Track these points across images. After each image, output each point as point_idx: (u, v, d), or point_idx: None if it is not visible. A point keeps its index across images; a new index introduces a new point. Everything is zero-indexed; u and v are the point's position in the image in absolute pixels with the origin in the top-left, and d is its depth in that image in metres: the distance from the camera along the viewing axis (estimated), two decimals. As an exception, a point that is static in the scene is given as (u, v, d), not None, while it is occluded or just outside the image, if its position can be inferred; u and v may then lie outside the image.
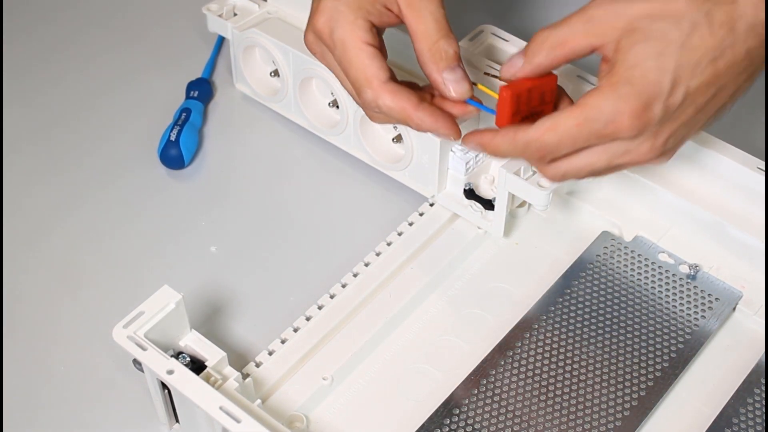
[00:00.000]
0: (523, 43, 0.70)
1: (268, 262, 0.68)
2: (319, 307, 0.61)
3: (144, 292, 0.55)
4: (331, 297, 0.62)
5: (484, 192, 0.67)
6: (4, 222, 0.70)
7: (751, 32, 0.51)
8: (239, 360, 0.61)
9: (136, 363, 0.55)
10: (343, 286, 0.62)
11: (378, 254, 0.64)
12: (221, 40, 0.83)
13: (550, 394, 0.58)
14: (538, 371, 0.59)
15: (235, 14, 0.75)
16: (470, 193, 0.67)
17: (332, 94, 0.70)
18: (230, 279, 0.66)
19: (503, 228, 0.66)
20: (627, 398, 0.58)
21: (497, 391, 0.58)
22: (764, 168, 0.63)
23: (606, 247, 0.66)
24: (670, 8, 0.50)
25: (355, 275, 0.63)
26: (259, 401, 0.54)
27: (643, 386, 0.58)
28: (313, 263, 0.67)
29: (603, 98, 0.51)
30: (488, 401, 0.57)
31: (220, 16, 0.75)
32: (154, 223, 0.70)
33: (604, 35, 0.52)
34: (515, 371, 0.59)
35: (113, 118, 0.78)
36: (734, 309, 0.63)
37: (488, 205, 0.66)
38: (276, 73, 0.75)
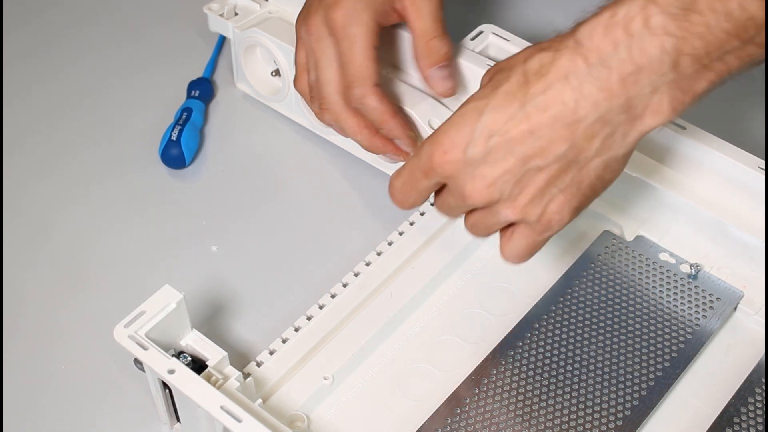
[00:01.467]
0: (525, 43, 0.69)
1: (269, 262, 0.68)
2: (320, 307, 0.61)
3: (145, 291, 0.55)
4: (332, 296, 0.62)
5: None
6: (5, 221, 0.70)
7: (587, 82, 0.49)
8: (240, 359, 0.61)
9: (137, 362, 0.55)
10: (344, 285, 0.62)
11: (379, 253, 0.64)
12: (222, 40, 0.83)
13: (551, 394, 0.58)
14: (539, 370, 0.59)
15: (236, 14, 0.75)
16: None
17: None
18: (231, 278, 0.66)
19: (504, 227, 0.66)
20: (628, 398, 0.58)
21: (498, 390, 0.58)
22: (764, 167, 0.62)
23: (607, 247, 0.66)
24: (509, 61, 0.53)
25: (356, 275, 0.63)
26: (260, 401, 0.54)
27: (644, 386, 0.58)
28: (314, 262, 0.67)
29: (427, 138, 0.54)
30: (489, 401, 0.57)
31: (221, 15, 0.75)
32: (155, 222, 0.70)
33: None
34: (516, 370, 0.59)
35: (114, 118, 0.78)
36: (735, 309, 0.63)
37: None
38: (277, 72, 0.75)
